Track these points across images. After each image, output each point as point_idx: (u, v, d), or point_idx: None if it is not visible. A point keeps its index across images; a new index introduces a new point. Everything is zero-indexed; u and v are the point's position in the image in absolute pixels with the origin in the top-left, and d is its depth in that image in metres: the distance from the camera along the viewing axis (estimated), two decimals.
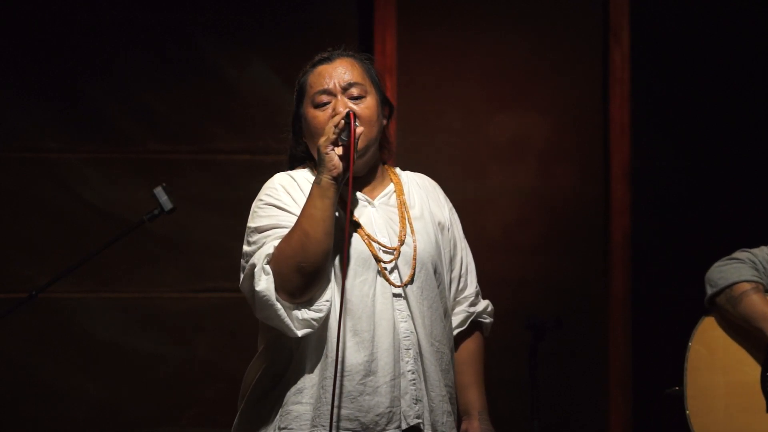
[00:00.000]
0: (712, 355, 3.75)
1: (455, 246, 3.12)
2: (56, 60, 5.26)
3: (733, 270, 3.76)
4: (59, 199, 5.25)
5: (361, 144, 2.91)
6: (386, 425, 2.88)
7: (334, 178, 2.83)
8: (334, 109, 2.95)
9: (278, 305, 2.82)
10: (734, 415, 3.68)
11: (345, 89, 2.97)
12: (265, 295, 2.82)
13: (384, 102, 3.05)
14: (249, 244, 2.92)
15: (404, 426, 2.90)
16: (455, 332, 3.11)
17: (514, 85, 5.47)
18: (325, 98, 2.97)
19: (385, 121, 3.04)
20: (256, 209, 2.96)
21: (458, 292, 3.13)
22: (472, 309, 3.14)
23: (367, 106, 2.97)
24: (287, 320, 2.83)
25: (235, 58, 5.35)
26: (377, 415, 2.87)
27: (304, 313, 2.84)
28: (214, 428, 5.20)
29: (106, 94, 5.28)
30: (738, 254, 3.81)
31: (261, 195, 2.99)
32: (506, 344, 4.93)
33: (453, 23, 5.46)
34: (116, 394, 5.23)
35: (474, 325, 3.17)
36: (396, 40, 5.36)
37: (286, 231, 2.86)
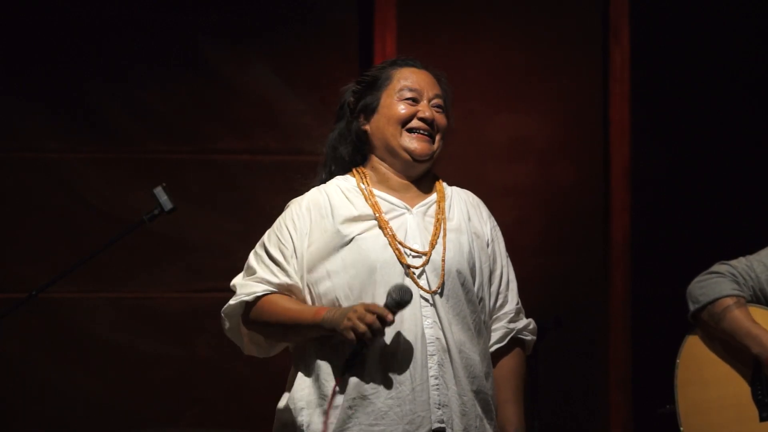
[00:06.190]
0: (701, 370, 3.76)
1: (495, 261, 3.16)
2: (56, 60, 5.26)
3: (714, 285, 3.77)
4: (59, 199, 5.25)
5: (431, 152, 3.09)
6: (415, 430, 2.92)
7: (336, 336, 2.94)
8: (418, 113, 3.08)
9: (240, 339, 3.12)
10: (728, 428, 3.68)
11: (431, 99, 3.11)
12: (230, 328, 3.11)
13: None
14: (256, 256, 3.08)
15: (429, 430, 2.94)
16: (494, 348, 3.12)
17: (514, 85, 5.47)
18: (413, 95, 3.10)
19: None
20: (275, 227, 3.10)
21: (497, 308, 3.15)
22: (511, 325, 3.15)
23: (445, 118, 3.13)
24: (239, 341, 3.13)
25: (235, 58, 5.35)
26: (408, 424, 2.92)
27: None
28: (214, 428, 5.20)
29: (106, 94, 5.28)
30: (717, 267, 3.81)
31: (285, 212, 3.11)
32: None
33: (453, 23, 5.46)
34: (116, 394, 5.23)
35: (514, 341, 3.16)
36: (396, 40, 5.36)
37: (265, 288, 3.03)
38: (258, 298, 3.02)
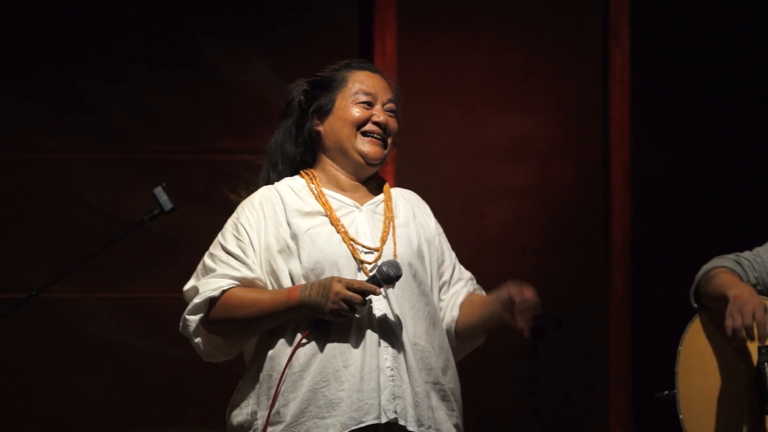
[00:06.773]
0: (702, 358, 3.77)
1: (443, 253, 3.24)
2: (56, 60, 5.26)
3: (715, 261, 3.81)
4: (59, 199, 5.26)
5: (382, 155, 3.17)
6: (362, 417, 2.96)
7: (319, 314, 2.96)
8: (372, 117, 3.15)
9: (197, 341, 3.15)
10: (728, 416, 3.69)
11: (384, 103, 3.18)
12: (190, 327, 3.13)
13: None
14: (211, 257, 3.12)
15: (383, 420, 2.97)
16: (462, 299, 3.21)
17: (514, 85, 5.48)
18: (368, 98, 3.18)
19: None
20: (228, 227, 3.16)
21: (454, 282, 3.23)
22: (471, 284, 3.26)
23: (396, 122, 3.21)
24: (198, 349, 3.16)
25: (235, 58, 5.35)
26: (355, 411, 2.96)
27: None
28: (215, 428, 5.19)
29: (106, 94, 5.29)
30: (723, 255, 3.84)
31: (237, 212, 3.18)
32: (506, 345, 4.93)
33: (453, 23, 5.46)
34: (116, 394, 5.23)
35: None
36: (396, 40, 5.36)
37: (230, 282, 3.04)
38: (223, 292, 3.04)
